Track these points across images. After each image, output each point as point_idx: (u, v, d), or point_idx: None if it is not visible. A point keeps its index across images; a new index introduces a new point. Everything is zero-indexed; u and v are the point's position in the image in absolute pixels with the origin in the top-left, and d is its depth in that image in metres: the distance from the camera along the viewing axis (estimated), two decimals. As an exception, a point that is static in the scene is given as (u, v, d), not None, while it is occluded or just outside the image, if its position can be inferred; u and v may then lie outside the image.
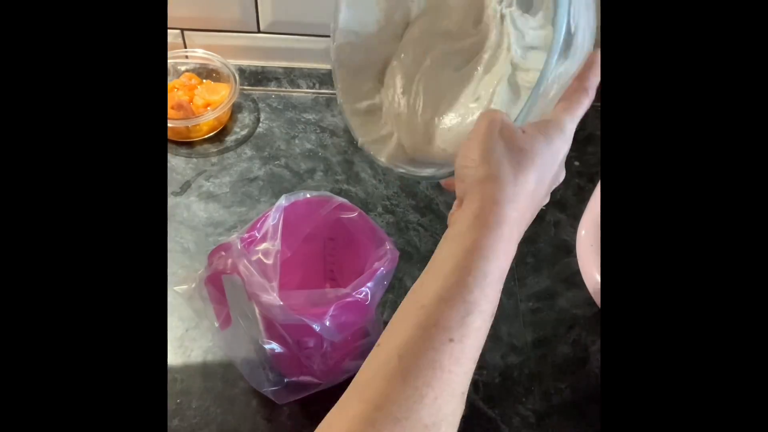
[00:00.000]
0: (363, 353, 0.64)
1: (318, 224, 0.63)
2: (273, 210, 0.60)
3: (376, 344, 0.36)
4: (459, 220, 0.38)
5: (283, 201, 0.61)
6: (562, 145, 0.41)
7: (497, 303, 0.37)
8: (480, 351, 0.35)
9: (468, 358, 0.34)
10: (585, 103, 0.43)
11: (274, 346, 0.57)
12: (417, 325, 0.34)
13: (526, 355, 0.70)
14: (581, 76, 0.44)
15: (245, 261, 0.55)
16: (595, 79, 0.44)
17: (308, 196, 0.62)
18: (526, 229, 0.41)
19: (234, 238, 0.57)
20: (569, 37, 0.41)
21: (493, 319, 0.37)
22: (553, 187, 0.43)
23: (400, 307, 0.37)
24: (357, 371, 0.65)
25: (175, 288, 0.59)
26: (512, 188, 0.38)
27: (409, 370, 0.32)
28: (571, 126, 0.42)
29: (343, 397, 0.34)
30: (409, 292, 0.37)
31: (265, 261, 0.58)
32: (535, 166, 0.39)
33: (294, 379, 0.62)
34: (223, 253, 0.57)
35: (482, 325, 0.35)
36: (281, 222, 0.60)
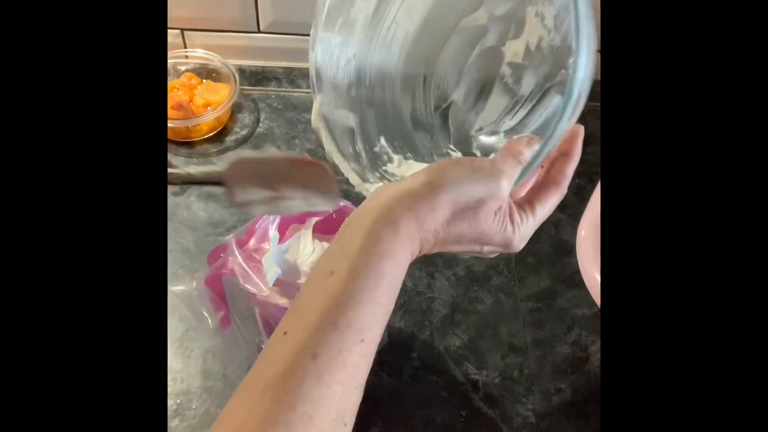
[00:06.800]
0: None
1: (318, 224, 0.63)
2: None
3: (282, 331, 0.35)
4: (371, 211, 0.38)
5: None
6: (526, 231, 0.42)
7: (396, 297, 0.38)
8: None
9: (372, 353, 0.36)
10: (555, 198, 0.43)
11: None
12: (332, 323, 0.34)
13: (526, 355, 0.70)
14: (554, 167, 0.43)
15: (242, 261, 0.55)
16: (570, 170, 0.43)
17: None
18: (427, 251, 0.40)
19: (230, 238, 0.58)
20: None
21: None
22: (484, 250, 0.42)
23: (309, 287, 0.37)
24: None
25: (173, 288, 0.59)
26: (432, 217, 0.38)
27: (324, 371, 0.33)
28: (542, 215, 0.42)
29: (250, 388, 0.34)
30: (319, 268, 0.37)
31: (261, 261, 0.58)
32: (475, 238, 0.40)
33: None
34: (221, 255, 0.57)
35: (385, 320, 0.37)
36: (278, 222, 0.60)
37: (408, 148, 0.53)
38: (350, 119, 0.52)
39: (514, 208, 0.41)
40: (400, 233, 0.37)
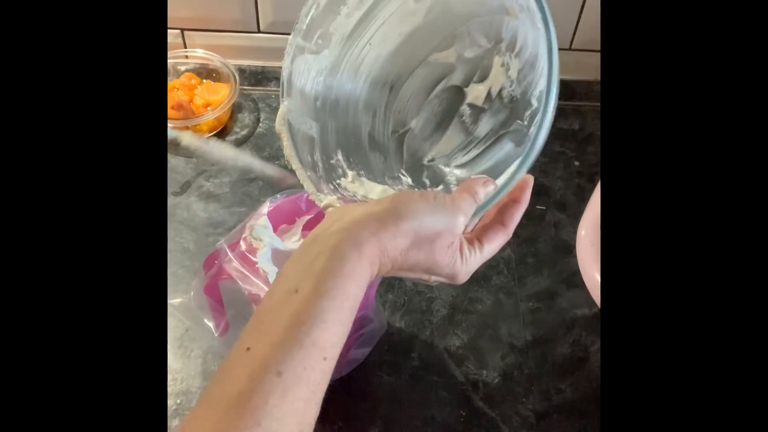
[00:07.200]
0: (366, 341, 0.65)
1: (309, 222, 0.63)
2: (256, 213, 0.61)
3: (245, 347, 0.36)
4: (335, 227, 0.40)
5: (267, 203, 0.61)
6: (472, 265, 0.44)
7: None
8: None
9: (332, 369, 0.37)
10: (501, 239, 0.46)
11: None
12: (297, 341, 0.35)
13: (526, 355, 0.70)
14: (503, 211, 0.46)
15: (238, 265, 0.55)
16: (518, 215, 0.46)
17: (303, 194, 0.63)
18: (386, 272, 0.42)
19: (222, 243, 0.58)
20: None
21: None
22: (434, 276, 0.44)
23: (272, 303, 0.38)
24: (363, 359, 0.66)
25: (172, 302, 0.59)
26: (392, 239, 0.40)
27: (288, 388, 0.34)
28: (488, 252, 0.45)
29: (213, 403, 0.34)
30: (282, 285, 0.38)
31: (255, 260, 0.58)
32: (429, 265, 0.42)
33: None
34: (215, 262, 0.57)
35: (345, 339, 0.38)
36: (268, 221, 0.61)
37: (362, 166, 0.55)
38: (312, 128, 0.54)
39: (465, 243, 0.44)
40: (363, 256, 0.38)
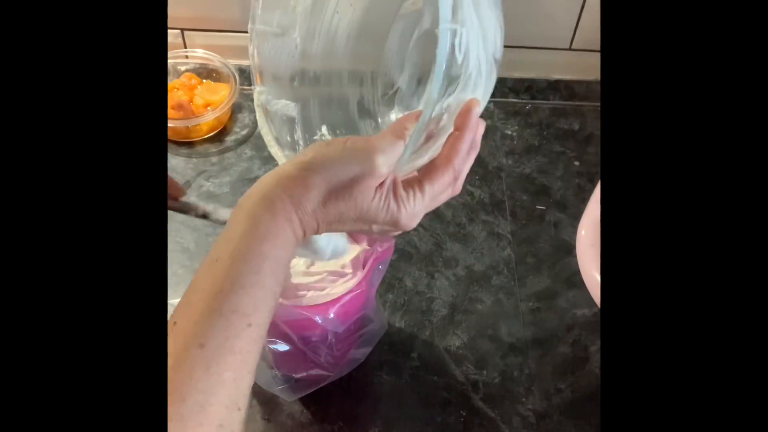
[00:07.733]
0: (366, 341, 0.65)
1: None
2: None
3: (173, 321, 0.35)
4: (253, 200, 0.38)
5: None
6: (414, 209, 0.41)
7: (285, 281, 0.38)
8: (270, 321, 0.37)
9: (262, 337, 0.36)
10: (445, 177, 0.41)
11: (278, 346, 0.57)
12: (217, 310, 0.34)
13: (526, 355, 0.70)
14: (448, 144, 0.41)
15: None
16: (461, 146, 0.41)
17: None
18: (315, 232, 0.40)
19: None
20: (456, 68, 0.39)
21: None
22: (374, 226, 0.41)
23: (198, 275, 0.37)
24: (363, 359, 0.66)
25: (171, 301, 0.59)
26: (305, 194, 0.38)
27: (212, 359, 0.33)
28: (431, 193, 0.41)
29: None
30: (208, 256, 0.38)
31: None
32: (354, 213, 0.39)
33: (303, 374, 0.62)
34: None
35: (273, 303, 0.37)
36: None
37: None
38: (291, 109, 0.52)
39: (399, 185, 0.40)
40: (277, 215, 0.37)
